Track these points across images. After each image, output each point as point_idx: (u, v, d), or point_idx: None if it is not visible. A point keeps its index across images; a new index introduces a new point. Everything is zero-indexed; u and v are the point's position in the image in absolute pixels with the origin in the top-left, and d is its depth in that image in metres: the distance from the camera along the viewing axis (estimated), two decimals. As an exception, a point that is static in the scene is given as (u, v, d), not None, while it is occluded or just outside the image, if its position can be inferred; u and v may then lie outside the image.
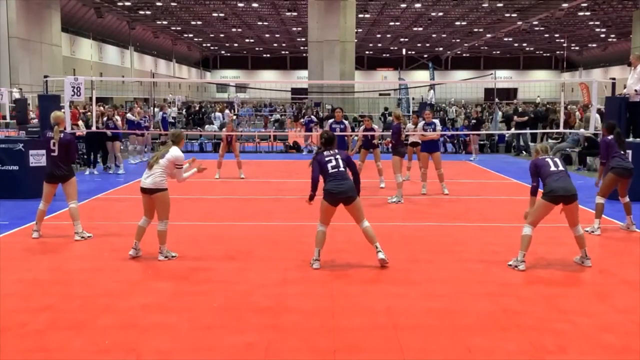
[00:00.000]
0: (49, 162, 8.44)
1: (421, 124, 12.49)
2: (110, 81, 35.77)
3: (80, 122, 16.48)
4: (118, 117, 16.17)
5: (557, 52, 71.41)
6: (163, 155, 7.14)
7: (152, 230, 7.19)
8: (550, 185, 6.78)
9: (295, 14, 46.62)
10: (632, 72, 11.86)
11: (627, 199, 8.80)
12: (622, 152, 8.75)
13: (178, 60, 70.40)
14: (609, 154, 8.71)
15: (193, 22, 54.12)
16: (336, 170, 6.77)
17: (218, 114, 27.31)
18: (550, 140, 19.32)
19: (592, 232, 8.45)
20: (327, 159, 6.84)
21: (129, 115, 18.07)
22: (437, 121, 12.49)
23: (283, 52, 74.82)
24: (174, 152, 7.18)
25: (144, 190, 7.16)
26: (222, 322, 5.25)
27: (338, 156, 6.89)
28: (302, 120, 23.50)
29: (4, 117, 24.53)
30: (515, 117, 22.05)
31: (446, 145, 21.50)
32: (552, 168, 6.89)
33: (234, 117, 25.41)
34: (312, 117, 24.12)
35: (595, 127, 13.80)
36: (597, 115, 14.53)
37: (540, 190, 6.98)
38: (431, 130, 12.10)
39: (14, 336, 4.88)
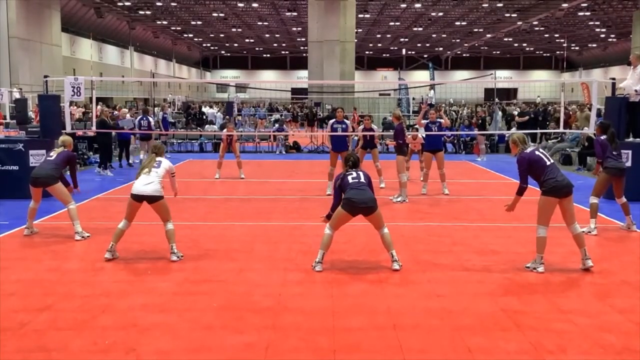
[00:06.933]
0: (40, 164, 8.50)
1: (425, 122, 12.51)
2: (110, 81, 35.78)
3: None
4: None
5: (557, 52, 71.36)
6: (157, 164, 7.16)
7: (150, 231, 7.18)
8: (549, 183, 6.70)
9: (295, 14, 46.62)
10: (631, 72, 11.85)
11: (623, 199, 8.79)
12: (615, 153, 8.75)
13: (178, 60, 70.37)
14: (604, 154, 8.72)
15: (193, 22, 54.12)
16: (357, 180, 6.84)
17: (218, 114, 27.36)
18: (550, 141, 19.35)
19: (589, 232, 8.44)
20: (349, 175, 6.93)
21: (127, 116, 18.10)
22: (442, 120, 12.52)
23: (283, 52, 74.81)
24: (166, 162, 7.28)
25: (143, 198, 7.02)
26: (222, 322, 5.25)
27: (360, 172, 7.00)
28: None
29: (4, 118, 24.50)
30: (516, 118, 22.05)
31: (446, 145, 21.48)
32: (548, 162, 6.85)
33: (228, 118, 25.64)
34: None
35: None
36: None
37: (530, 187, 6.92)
38: (436, 128, 12.11)
39: (13, 336, 4.88)
